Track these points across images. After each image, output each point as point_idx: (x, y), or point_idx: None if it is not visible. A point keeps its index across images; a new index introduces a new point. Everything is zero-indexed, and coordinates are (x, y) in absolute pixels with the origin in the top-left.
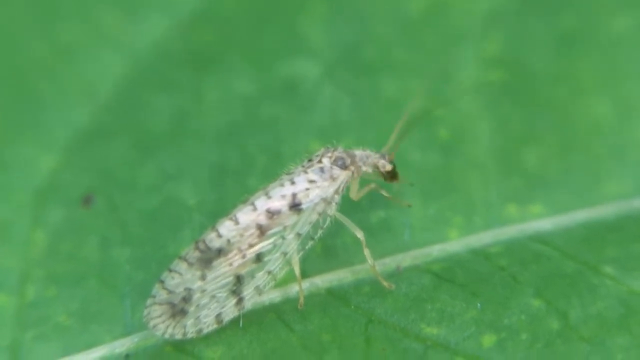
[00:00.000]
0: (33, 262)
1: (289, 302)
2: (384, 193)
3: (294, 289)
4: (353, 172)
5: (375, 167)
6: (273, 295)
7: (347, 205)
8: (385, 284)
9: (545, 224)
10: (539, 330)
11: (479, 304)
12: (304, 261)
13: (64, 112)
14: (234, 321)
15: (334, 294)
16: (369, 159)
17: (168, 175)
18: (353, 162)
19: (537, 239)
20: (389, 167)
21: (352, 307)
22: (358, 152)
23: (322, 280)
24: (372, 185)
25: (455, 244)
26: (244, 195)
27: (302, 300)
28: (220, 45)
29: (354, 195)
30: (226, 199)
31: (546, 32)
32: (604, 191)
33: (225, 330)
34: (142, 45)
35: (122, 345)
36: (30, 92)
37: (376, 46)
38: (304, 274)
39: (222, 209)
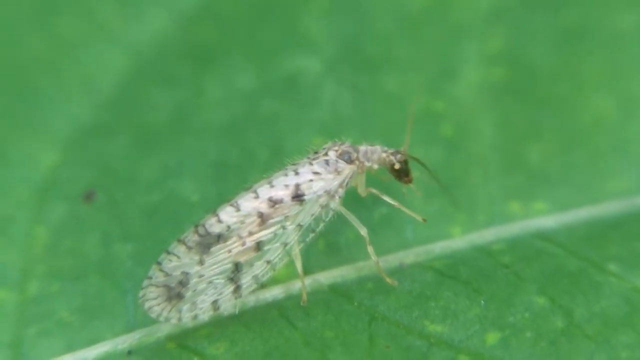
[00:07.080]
0: (35, 258)
1: (292, 299)
2: (389, 200)
3: (296, 285)
4: (358, 167)
5: (383, 163)
6: (276, 292)
7: (350, 201)
8: (388, 280)
9: (548, 221)
10: (543, 328)
11: (482, 301)
12: (307, 258)
13: (64, 107)
14: (236, 317)
15: (337, 291)
16: (374, 155)
17: (169, 171)
18: (358, 157)
19: (540, 236)
20: (397, 166)
21: (356, 303)
22: (362, 148)
23: (325, 277)
24: (373, 190)
25: (458, 241)
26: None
27: (305, 297)
28: (221, 40)
29: (361, 190)
30: (227, 194)
31: (549, 27)
32: (607, 188)
33: (227, 326)
34: (142, 41)
35: (125, 341)
36: (30, 88)
37: (377, 42)
38: (307, 271)
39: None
